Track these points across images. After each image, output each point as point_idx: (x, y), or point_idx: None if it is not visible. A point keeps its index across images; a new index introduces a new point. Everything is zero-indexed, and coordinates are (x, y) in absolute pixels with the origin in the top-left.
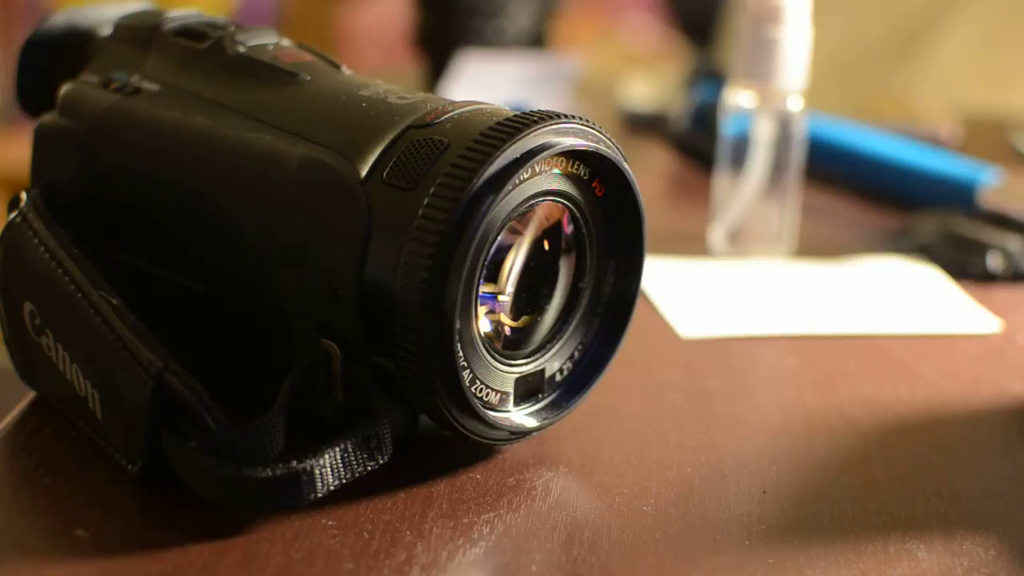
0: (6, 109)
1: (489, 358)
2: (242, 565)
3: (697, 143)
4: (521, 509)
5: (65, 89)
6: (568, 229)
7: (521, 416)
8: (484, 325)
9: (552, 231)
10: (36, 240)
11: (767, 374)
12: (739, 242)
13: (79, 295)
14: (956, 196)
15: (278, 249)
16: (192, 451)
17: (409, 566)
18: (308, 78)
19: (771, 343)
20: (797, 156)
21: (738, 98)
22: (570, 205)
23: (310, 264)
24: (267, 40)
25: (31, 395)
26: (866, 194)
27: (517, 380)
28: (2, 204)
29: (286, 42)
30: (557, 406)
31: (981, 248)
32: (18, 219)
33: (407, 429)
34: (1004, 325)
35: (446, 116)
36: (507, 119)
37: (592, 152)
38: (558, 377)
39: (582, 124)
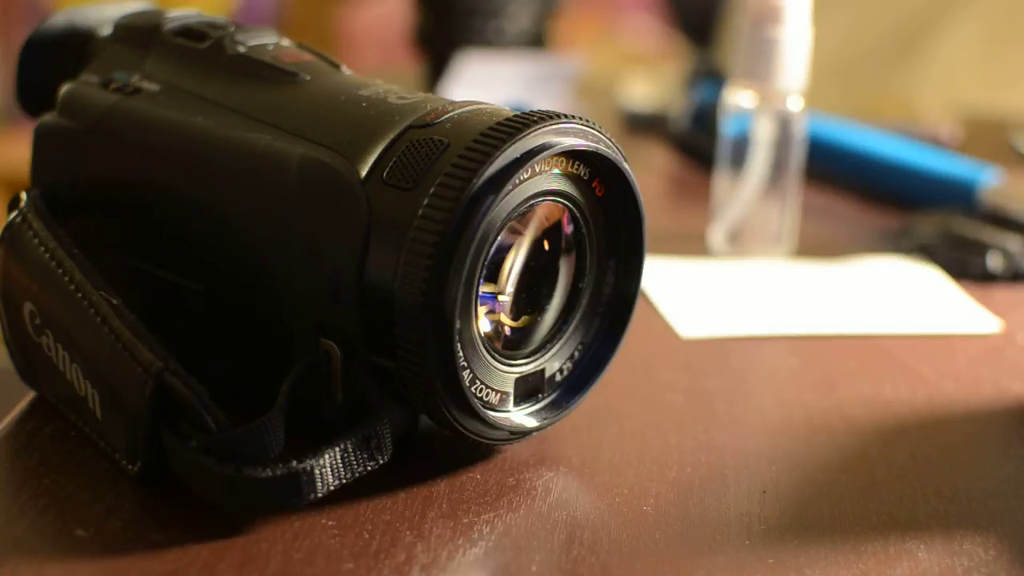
0: (6, 109)
1: (489, 358)
2: (242, 565)
3: (697, 143)
4: (521, 509)
5: (65, 89)
6: (568, 229)
7: (521, 416)
8: (484, 325)
9: (552, 231)
10: (36, 240)
11: (767, 374)
12: (739, 242)
13: (79, 295)
14: (956, 196)
15: (278, 249)
16: (192, 451)
17: (409, 566)
18: (308, 78)
19: (771, 343)
20: (797, 156)
21: (738, 98)
22: (570, 205)
23: (310, 264)
24: (267, 40)
25: (31, 395)
26: (866, 194)
27: (517, 380)
28: (2, 204)
29: (286, 42)
30: (557, 406)
31: (981, 248)
32: (18, 219)
33: (407, 429)
34: (1004, 325)
35: (446, 116)
36: (507, 119)
37: (592, 152)
38: (558, 377)
39: (582, 124)
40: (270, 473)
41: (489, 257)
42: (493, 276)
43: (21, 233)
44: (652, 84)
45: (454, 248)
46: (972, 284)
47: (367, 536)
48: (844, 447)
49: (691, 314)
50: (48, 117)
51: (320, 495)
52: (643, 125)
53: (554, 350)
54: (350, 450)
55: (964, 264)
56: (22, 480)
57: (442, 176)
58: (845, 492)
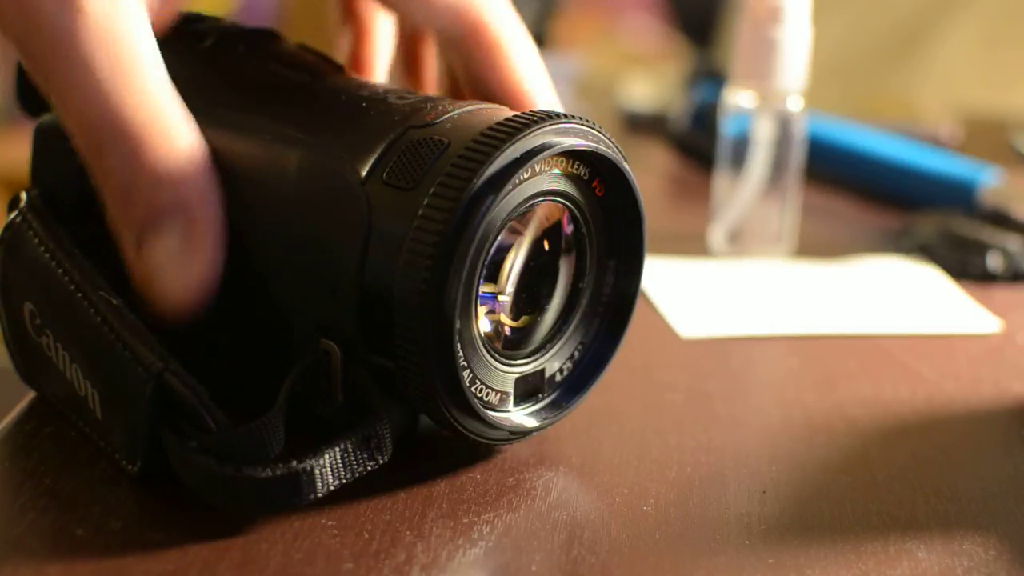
0: (6, 109)
1: (489, 358)
2: (242, 565)
3: (697, 143)
4: (521, 509)
5: None
6: (568, 229)
7: (521, 416)
8: (484, 325)
9: (552, 231)
10: (36, 240)
11: (767, 374)
12: (739, 242)
13: (79, 295)
14: (956, 196)
15: (278, 250)
16: (192, 451)
17: (409, 566)
18: (308, 79)
19: (771, 343)
20: (797, 156)
21: (738, 98)
22: (570, 205)
23: (310, 264)
24: (269, 41)
25: (31, 395)
26: (866, 194)
27: (517, 380)
28: (2, 204)
29: (288, 43)
30: (557, 406)
31: (981, 248)
32: (18, 219)
33: (407, 429)
34: (1004, 325)
35: (446, 116)
36: (507, 119)
37: (592, 152)
38: (558, 377)
39: (582, 124)
40: (270, 473)
41: (489, 257)
42: (493, 276)
43: (21, 233)
44: (652, 84)
45: (454, 248)
46: (972, 284)
47: (367, 536)
48: (844, 447)
49: (691, 314)
50: (48, 117)
51: (320, 495)
52: (643, 125)
53: (554, 350)
54: (350, 450)
55: (964, 264)
56: (22, 480)
57: (442, 176)
58: (845, 492)
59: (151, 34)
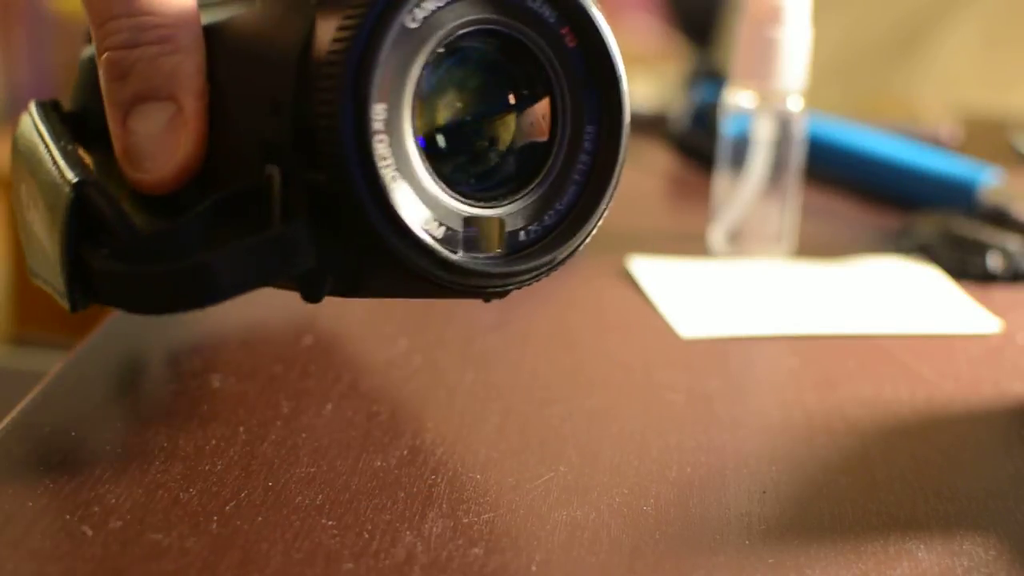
0: (6, 109)
1: (431, 181)
2: (242, 565)
3: (697, 143)
4: (521, 509)
5: None
6: (537, 76)
7: (469, 259)
8: (421, 142)
9: (517, 73)
10: (32, 125)
11: (767, 374)
12: (739, 242)
13: (49, 156)
14: (956, 196)
15: (241, 87)
16: (102, 257)
17: (409, 566)
18: None
19: (771, 343)
20: (797, 156)
21: (738, 98)
22: (533, 46)
23: (258, 81)
24: None
25: (31, 395)
26: (866, 194)
27: (468, 220)
28: (3, 205)
29: None
30: (514, 264)
31: (981, 248)
32: (24, 114)
33: (348, 268)
34: (1004, 325)
35: None
36: None
37: None
38: (522, 237)
39: None
40: (166, 268)
41: (430, 68)
42: (443, 95)
43: (23, 123)
44: (652, 84)
45: (374, 36)
46: (972, 284)
47: (367, 536)
48: (844, 448)
49: (691, 314)
50: (90, 48)
51: (227, 295)
52: (643, 125)
53: (516, 203)
54: (256, 248)
55: (964, 264)
56: (22, 480)
57: None
58: (845, 492)
59: None
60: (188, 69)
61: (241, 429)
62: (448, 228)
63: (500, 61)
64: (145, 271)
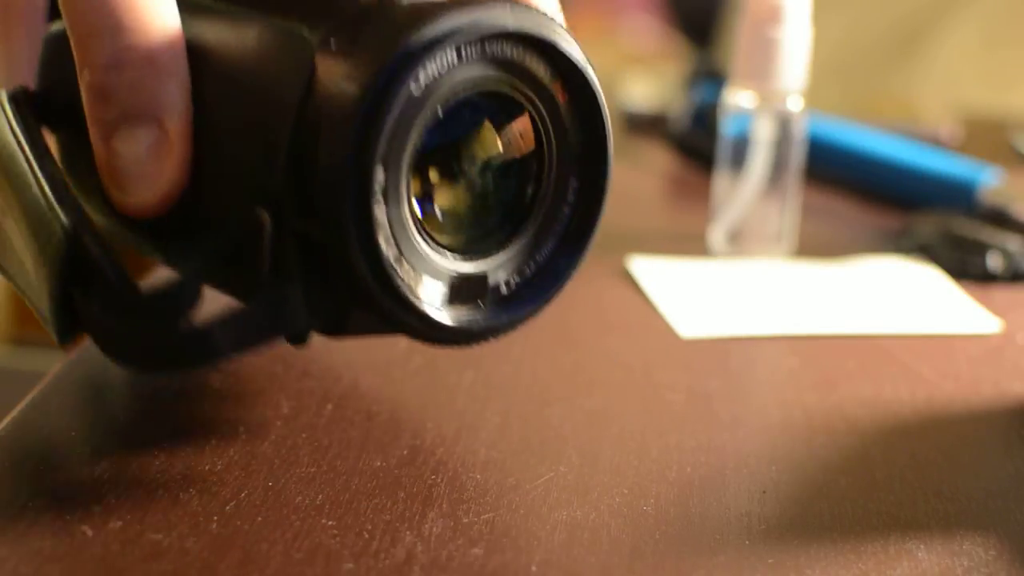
0: None
1: (421, 242)
2: (242, 565)
3: (697, 143)
4: (521, 509)
5: None
6: (525, 130)
7: (453, 315)
8: (416, 207)
9: (507, 128)
10: (7, 126)
11: (767, 374)
12: (739, 242)
13: (27, 164)
14: (956, 196)
15: (232, 118)
16: (96, 309)
17: (409, 566)
18: None
19: (771, 343)
20: (797, 156)
21: (738, 98)
22: (524, 101)
23: (253, 129)
24: None
25: (31, 395)
26: (866, 194)
27: (454, 278)
28: None
29: None
30: (497, 316)
31: (981, 248)
32: None
33: (336, 319)
34: (1004, 325)
35: None
36: None
37: (553, 47)
38: (503, 290)
39: (547, 18)
40: (165, 331)
41: (427, 133)
42: (436, 156)
43: None
44: (652, 84)
45: (378, 104)
46: (972, 284)
47: (367, 536)
48: (844, 447)
49: (691, 314)
50: (57, 24)
51: (222, 357)
52: (643, 125)
53: (499, 258)
54: (254, 313)
55: (964, 264)
56: (22, 480)
57: (377, 37)
58: (845, 492)
59: None
60: (172, 91)
61: (241, 429)
62: (435, 285)
63: (493, 122)
64: (143, 332)
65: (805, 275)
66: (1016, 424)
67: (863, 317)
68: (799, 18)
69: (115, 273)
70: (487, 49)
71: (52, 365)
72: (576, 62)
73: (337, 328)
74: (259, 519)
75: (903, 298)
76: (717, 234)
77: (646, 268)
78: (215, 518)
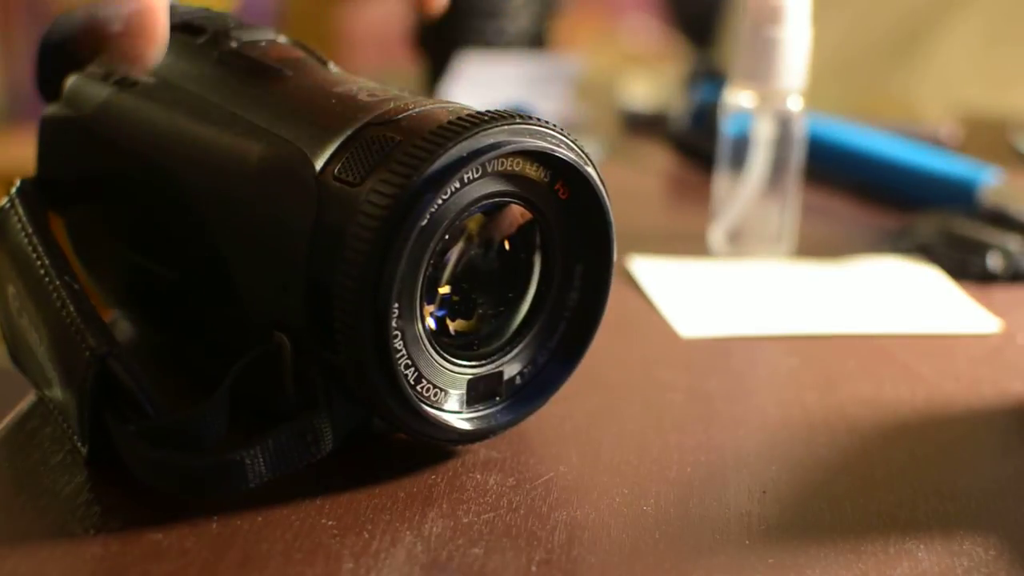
0: (6, 109)
1: (437, 357)
2: (242, 565)
3: (697, 143)
4: (521, 509)
5: (71, 80)
6: (529, 231)
7: (474, 418)
8: (432, 324)
9: (511, 233)
10: (19, 225)
11: (767, 374)
12: (739, 242)
13: (47, 279)
14: (956, 196)
15: (237, 241)
16: (129, 434)
17: (409, 566)
18: (290, 74)
19: (771, 343)
20: (797, 156)
21: (738, 98)
22: (528, 207)
23: (265, 257)
24: (262, 36)
25: (31, 395)
26: (866, 194)
27: (471, 381)
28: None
29: (282, 39)
30: (514, 410)
31: (981, 248)
32: (7, 205)
33: (359, 426)
34: (1004, 325)
35: (405, 114)
36: (459, 117)
37: (547, 154)
38: (518, 381)
39: (539, 125)
40: (200, 461)
41: (436, 256)
42: (445, 275)
43: (8, 218)
44: (652, 84)
45: (390, 243)
46: (972, 284)
47: (367, 536)
48: (844, 447)
49: (691, 314)
50: (53, 107)
51: (252, 485)
52: (643, 125)
53: (513, 353)
54: (284, 442)
55: (964, 264)
56: (22, 480)
57: (385, 172)
58: (845, 492)
59: None
60: None
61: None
62: (454, 394)
63: (495, 228)
64: (178, 462)
65: (805, 275)
66: (1016, 424)
67: (863, 317)
68: (799, 18)
69: (147, 400)
70: (488, 168)
71: None
72: (573, 164)
73: (359, 435)
74: (259, 519)
75: (903, 298)
76: (717, 234)
77: (646, 268)
78: (215, 518)
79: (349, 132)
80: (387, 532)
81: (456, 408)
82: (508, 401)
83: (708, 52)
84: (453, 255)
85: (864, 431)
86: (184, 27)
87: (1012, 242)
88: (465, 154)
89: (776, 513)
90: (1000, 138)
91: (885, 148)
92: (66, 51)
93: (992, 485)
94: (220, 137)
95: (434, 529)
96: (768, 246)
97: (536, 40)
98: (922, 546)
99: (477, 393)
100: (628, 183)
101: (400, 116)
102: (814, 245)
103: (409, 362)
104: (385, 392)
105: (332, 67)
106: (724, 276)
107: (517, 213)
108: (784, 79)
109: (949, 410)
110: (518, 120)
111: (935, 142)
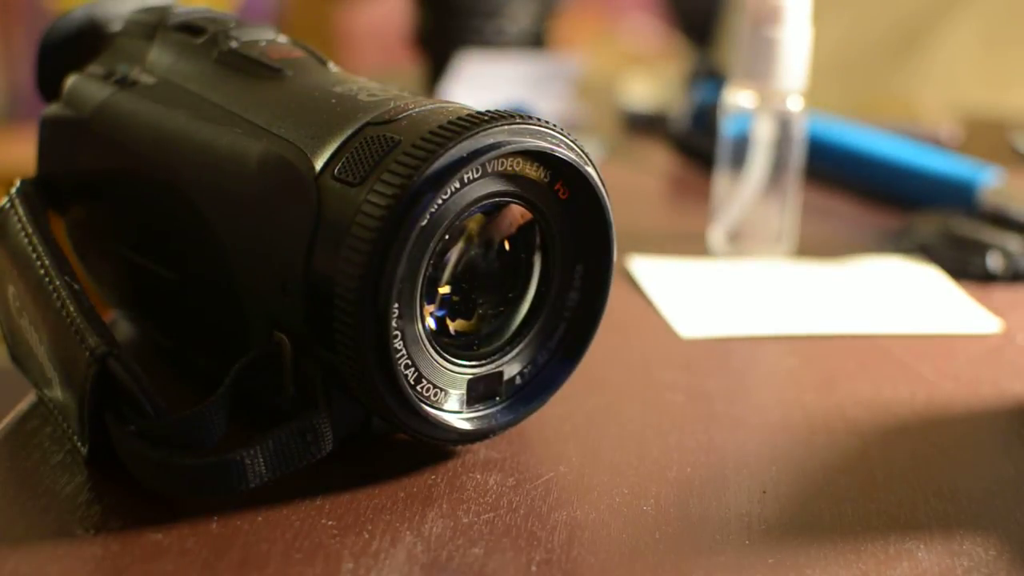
0: (6, 109)
1: (436, 357)
2: (242, 565)
3: (697, 143)
4: (521, 509)
5: (70, 80)
6: (529, 231)
7: (474, 418)
8: (432, 324)
9: (512, 233)
10: (19, 226)
11: (767, 374)
12: (739, 242)
13: (47, 279)
14: (956, 196)
15: (237, 242)
16: (129, 435)
17: (409, 566)
18: (290, 74)
19: (771, 343)
20: (797, 156)
21: (738, 98)
22: (528, 207)
23: (264, 257)
24: (262, 36)
25: (31, 395)
26: (866, 194)
27: (471, 381)
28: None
29: (282, 38)
30: (514, 410)
31: (981, 248)
32: (7, 205)
33: (359, 425)
34: (1004, 325)
35: (405, 114)
36: (459, 117)
37: (548, 154)
38: (518, 381)
39: (539, 125)
40: (199, 461)
41: (435, 256)
42: (444, 275)
43: (8, 219)
44: (652, 84)
45: (390, 243)
46: (972, 284)
47: (367, 536)
48: (844, 447)
49: (691, 314)
50: (53, 107)
51: (253, 485)
52: (643, 125)
53: (513, 353)
54: (284, 442)
55: (964, 264)
56: (22, 480)
57: (385, 172)
58: (845, 492)
59: None
60: None
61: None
62: (454, 394)
63: (495, 228)
64: (178, 462)
65: (805, 275)
66: (1016, 424)
67: (863, 317)
68: (799, 18)
69: (147, 400)
70: (488, 168)
71: None
72: (573, 164)
73: (359, 435)
74: (259, 519)
75: (903, 298)
76: (717, 234)
77: (646, 268)
78: (215, 518)
79: (349, 132)
80: (387, 532)
81: (456, 408)
82: (508, 401)
83: (708, 52)
84: (453, 255)
85: (864, 431)
86: (184, 27)
87: (1012, 242)
88: (465, 154)
89: (776, 513)
90: (1000, 138)
91: (885, 148)
92: (66, 51)
93: (992, 485)
94: (220, 137)
95: (434, 529)
96: (768, 246)
97: (536, 40)
98: (922, 546)
99: (477, 393)
100: (628, 183)
101: (400, 116)
102: (814, 245)
103: (409, 362)
104: (385, 392)
105: (332, 67)
106: (724, 276)
107: (517, 213)
108: (784, 79)
109: (949, 410)
110: (518, 120)
111: (935, 142)
